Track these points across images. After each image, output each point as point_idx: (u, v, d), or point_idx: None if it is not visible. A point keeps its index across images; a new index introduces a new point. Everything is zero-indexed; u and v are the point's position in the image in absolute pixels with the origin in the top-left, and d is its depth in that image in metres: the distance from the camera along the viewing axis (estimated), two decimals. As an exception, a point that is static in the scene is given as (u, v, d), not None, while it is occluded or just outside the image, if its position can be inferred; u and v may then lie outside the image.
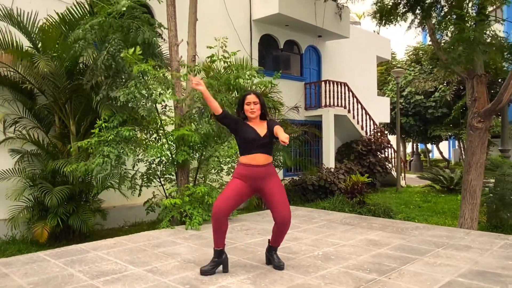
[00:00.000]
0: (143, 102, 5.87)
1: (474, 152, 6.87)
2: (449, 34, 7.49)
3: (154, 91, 5.74)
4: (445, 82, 20.19)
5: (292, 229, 5.22)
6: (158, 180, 6.60)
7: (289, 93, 12.07)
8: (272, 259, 3.65)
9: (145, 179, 6.56)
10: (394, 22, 9.11)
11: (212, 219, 3.44)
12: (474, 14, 7.17)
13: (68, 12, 6.69)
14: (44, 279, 3.38)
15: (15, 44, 6.72)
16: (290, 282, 3.23)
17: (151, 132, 6.49)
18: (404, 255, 3.96)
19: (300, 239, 4.70)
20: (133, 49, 5.44)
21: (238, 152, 6.07)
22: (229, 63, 6.47)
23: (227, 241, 4.57)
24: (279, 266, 3.57)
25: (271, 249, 3.69)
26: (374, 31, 19.65)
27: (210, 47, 6.29)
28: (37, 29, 6.72)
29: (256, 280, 3.29)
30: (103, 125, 5.69)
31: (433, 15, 7.92)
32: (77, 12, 6.73)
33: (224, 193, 3.48)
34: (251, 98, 3.58)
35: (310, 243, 4.48)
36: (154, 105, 6.02)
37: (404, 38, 25.30)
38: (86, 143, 5.64)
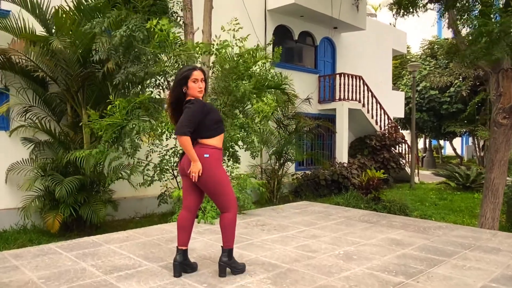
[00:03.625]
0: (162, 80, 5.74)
1: (498, 149, 6.61)
2: (472, 27, 7.22)
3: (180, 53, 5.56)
4: (461, 77, 19.75)
5: (309, 225, 5.07)
6: (171, 172, 6.47)
7: (302, 86, 11.83)
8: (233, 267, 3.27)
9: (158, 170, 6.42)
10: (413, 12, 8.82)
11: (236, 216, 3.21)
12: (500, 6, 6.89)
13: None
14: (56, 273, 3.26)
15: (28, 30, 6.60)
16: (313, 284, 3.06)
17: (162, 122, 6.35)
18: (430, 257, 3.76)
19: (319, 236, 4.52)
20: (156, 21, 5.26)
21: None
22: (242, 48, 6.25)
23: (242, 237, 4.44)
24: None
25: (222, 251, 3.26)
26: (390, 24, 19.25)
27: (223, 29, 6.10)
28: (51, 16, 6.60)
29: (276, 280, 3.13)
30: (117, 107, 5.50)
31: (456, 5, 7.63)
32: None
33: (231, 188, 3.24)
34: (198, 74, 3.10)
35: (330, 241, 4.30)
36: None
37: (419, 31, 24.81)
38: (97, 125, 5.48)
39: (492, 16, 6.86)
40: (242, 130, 5.84)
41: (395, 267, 3.47)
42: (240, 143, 5.70)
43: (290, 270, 3.36)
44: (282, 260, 3.64)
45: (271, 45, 9.07)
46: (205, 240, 4.33)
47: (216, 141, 3.14)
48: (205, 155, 3.06)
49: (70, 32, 6.35)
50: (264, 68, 6.69)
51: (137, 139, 5.68)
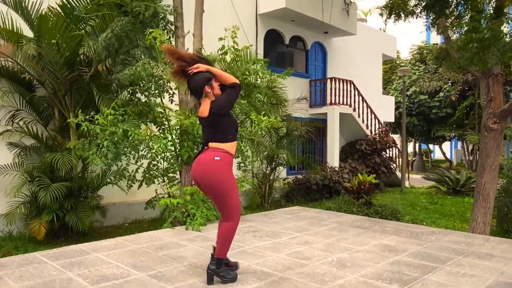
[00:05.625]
0: (150, 85, 5.65)
1: (489, 154, 6.63)
2: (463, 33, 7.27)
3: (163, 73, 5.51)
4: (450, 82, 19.95)
5: (301, 231, 5.00)
6: (161, 177, 6.36)
7: (294, 90, 11.80)
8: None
9: (147, 176, 6.31)
10: (404, 18, 8.86)
11: (236, 226, 3.14)
12: (491, 11, 6.94)
13: (67, 2, 6.45)
14: (41, 284, 3.14)
15: (15, 31, 6.47)
16: (306, 292, 3.00)
17: (157, 125, 6.23)
18: (424, 263, 3.72)
19: (311, 243, 4.46)
20: (151, 30, 5.27)
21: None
22: (237, 55, 6.22)
23: (234, 244, 4.35)
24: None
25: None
26: (380, 29, 19.38)
27: (221, 38, 6.03)
28: (39, 18, 6.46)
29: (269, 289, 3.05)
30: (110, 116, 5.43)
31: (447, 12, 7.67)
32: (77, 2, 6.48)
33: (238, 197, 3.16)
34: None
35: (323, 248, 4.24)
36: (160, 94, 5.79)
37: (408, 36, 25.09)
38: (87, 126, 5.41)
39: (482, 22, 6.91)
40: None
41: (389, 274, 3.42)
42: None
43: (283, 279, 3.29)
44: (274, 268, 3.57)
45: (262, 54, 9.02)
46: (196, 248, 4.23)
47: (229, 147, 3.06)
48: (215, 158, 2.98)
49: (57, 35, 6.22)
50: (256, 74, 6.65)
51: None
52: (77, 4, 6.48)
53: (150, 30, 5.39)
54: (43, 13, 6.22)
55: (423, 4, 7.48)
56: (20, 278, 3.26)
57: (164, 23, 6.20)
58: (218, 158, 2.98)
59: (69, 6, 6.49)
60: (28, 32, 6.63)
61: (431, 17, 7.67)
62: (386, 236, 4.81)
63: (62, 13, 6.48)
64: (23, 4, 6.39)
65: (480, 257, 3.97)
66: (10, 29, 6.43)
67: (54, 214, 6.13)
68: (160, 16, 6.10)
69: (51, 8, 6.37)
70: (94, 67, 6.14)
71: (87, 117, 5.51)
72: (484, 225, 6.63)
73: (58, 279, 3.25)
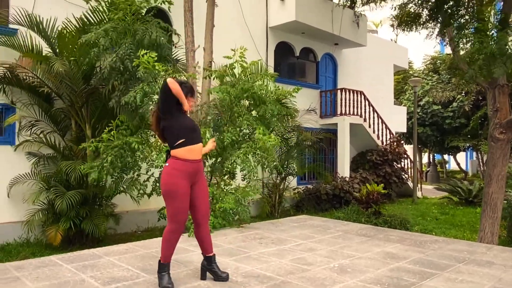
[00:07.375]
0: (151, 108, 5.86)
1: (496, 164, 6.67)
2: (469, 44, 7.35)
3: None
4: (463, 92, 19.84)
5: (306, 239, 5.13)
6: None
7: (304, 101, 11.94)
8: (214, 272, 3.45)
9: (158, 186, 6.51)
10: (413, 29, 8.99)
11: (172, 232, 3.29)
12: (496, 23, 7.02)
13: (84, 17, 6.76)
14: (55, 284, 3.34)
15: (34, 48, 6.81)
16: (305, 295, 3.13)
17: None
18: (423, 270, 3.81)
19: (315, 249, 4.58)
20: (144, 52, 5.43)
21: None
22: (245, 68, 6.41)
23: (240, 250, 4.52)
24: (224, 277, 3.41)
25: (212, 259, 3.47)
26: (391, 40, 19.47)
27: (229, 57, 6.18)
28: (56, 34, 6.80)
29: (270, 292, 3.20)
30: (113, 132, 5.74)
31: (454, 23, 7.77)
32: (93, 17, 6.81)
33: (182, 203, 3.26)
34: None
35: (326, 254, 4.36)
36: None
37: (422, 46, 25.11)
38: (93, 145, 5.70)
39: (488, 33, 6.99)
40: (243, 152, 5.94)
41: (388, 279, 3.52)
42: (239, 161, 5.80)
43: (284, 282, 3.43)
44: (277, 272, 3.71)
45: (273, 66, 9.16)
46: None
47: (183, 152, 3.21)
48: (165, 164, 3.27)
49: (74, 50, 6.53)
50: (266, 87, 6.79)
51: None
52: (94, 19, 6.81)
53: (142, 52, 5.47)
54: (60, 30, 6.54)
55: (427, 14, 7.59)
56: (37, 279, 3.48)
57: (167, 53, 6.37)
58: (167, 164, 3.26)
59: (86, 20, 6.81)
60: (46, 46, 6.96)
61: (438, 27, 7.77)
62: (390, 244, 4.90)
63: (79, 28, 6.79)
64: (40, 23, 6.70)
65: (481, 264, 4.04)
66: (30, 45, 6.77)
67: (71, 222, 6.38)
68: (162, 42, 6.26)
69: (66, 24, 6.68)
70: (111, 82, 6.41)
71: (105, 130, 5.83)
72: (492, 235, 6.63)
73: (72, 280, 3.45)
